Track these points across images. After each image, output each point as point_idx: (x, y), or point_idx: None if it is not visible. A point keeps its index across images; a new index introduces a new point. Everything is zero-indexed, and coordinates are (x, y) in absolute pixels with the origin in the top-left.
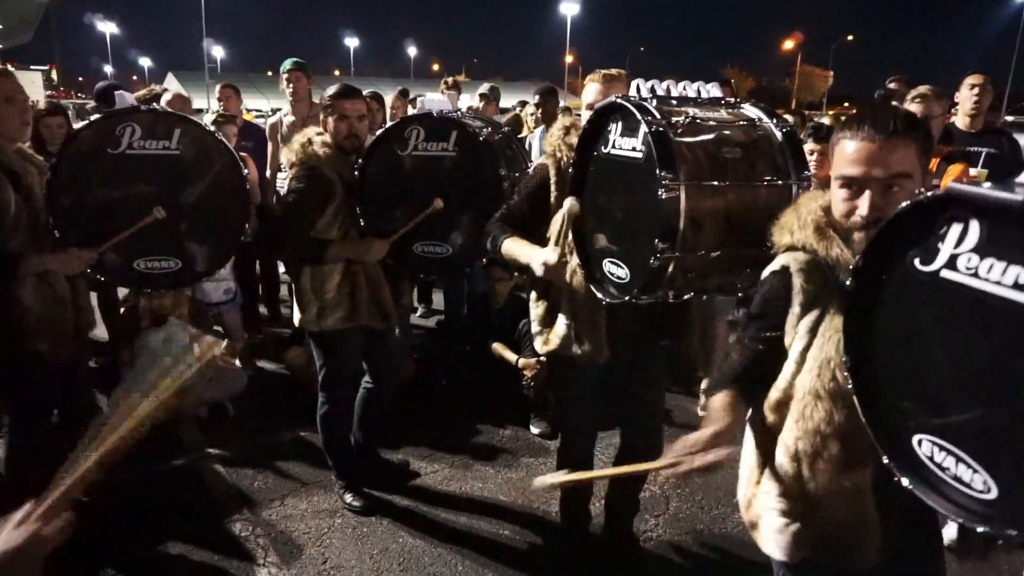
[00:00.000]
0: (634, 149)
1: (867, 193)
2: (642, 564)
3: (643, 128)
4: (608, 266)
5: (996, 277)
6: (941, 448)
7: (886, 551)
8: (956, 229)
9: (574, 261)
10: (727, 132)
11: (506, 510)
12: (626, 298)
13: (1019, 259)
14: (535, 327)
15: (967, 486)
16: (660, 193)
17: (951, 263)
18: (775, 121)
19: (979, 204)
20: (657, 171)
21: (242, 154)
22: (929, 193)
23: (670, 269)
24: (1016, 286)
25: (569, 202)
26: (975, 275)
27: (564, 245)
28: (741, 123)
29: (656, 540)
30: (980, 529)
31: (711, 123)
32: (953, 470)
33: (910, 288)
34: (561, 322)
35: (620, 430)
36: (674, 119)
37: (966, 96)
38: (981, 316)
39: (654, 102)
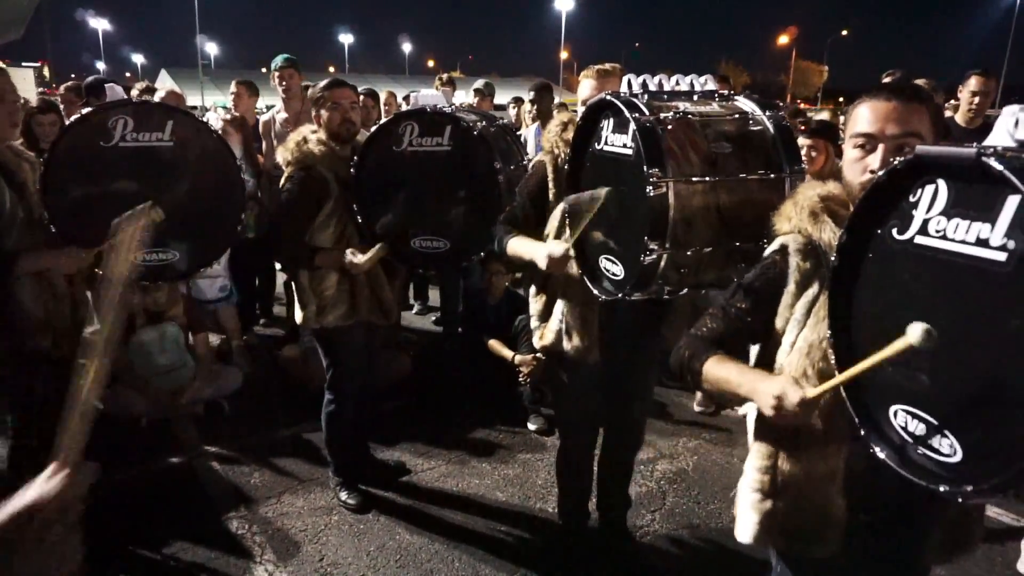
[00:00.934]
0: (625, 145)
1: (880, 148)
2: (638, 559)
3: (632, 125)
4: (604, 262)
5: (961, 236)
6: (914, 416)
7: (853, 549)
8: (928, 193)
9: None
10: (719, 127)
11: (503, 507)
12: (620, 295)
13: (980, 215)
14: (533, 321)
15: (936, 452)
16: (648, 190)
17: (923, 228)
18: (768, 114)
19: (942, 164)
20: (645, 168)
21: (259, 155)
22: (900, 159)
23: (662, 266)
24: (978, 242)
25: (592, 194)
26: (944, 237)
27: (573, 237)
28: (733, 117)
29: (652, 535)
30: (942, 488)
31: (702, 118)
32: (924, 438)
33: (889, 259)
34: (555, 318)
35: (604, 427)
36: (663, 115)
37: (966, 98)
38: (949, 277)
39: (645, 98)
